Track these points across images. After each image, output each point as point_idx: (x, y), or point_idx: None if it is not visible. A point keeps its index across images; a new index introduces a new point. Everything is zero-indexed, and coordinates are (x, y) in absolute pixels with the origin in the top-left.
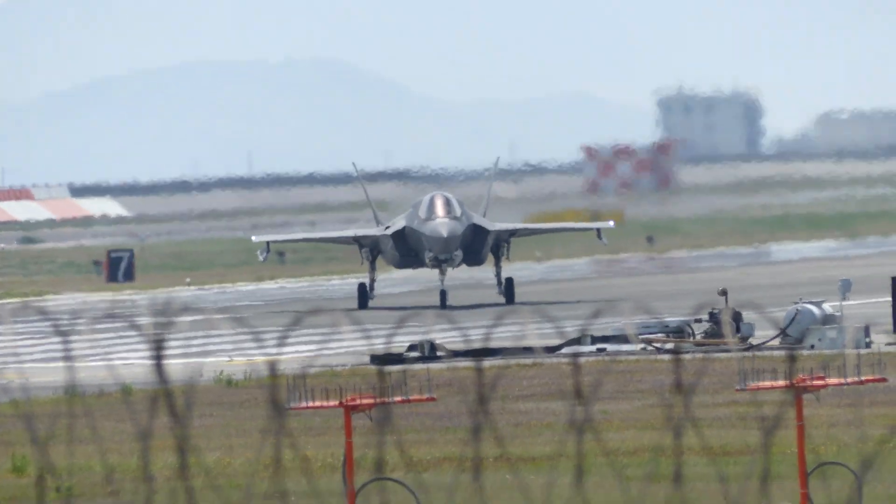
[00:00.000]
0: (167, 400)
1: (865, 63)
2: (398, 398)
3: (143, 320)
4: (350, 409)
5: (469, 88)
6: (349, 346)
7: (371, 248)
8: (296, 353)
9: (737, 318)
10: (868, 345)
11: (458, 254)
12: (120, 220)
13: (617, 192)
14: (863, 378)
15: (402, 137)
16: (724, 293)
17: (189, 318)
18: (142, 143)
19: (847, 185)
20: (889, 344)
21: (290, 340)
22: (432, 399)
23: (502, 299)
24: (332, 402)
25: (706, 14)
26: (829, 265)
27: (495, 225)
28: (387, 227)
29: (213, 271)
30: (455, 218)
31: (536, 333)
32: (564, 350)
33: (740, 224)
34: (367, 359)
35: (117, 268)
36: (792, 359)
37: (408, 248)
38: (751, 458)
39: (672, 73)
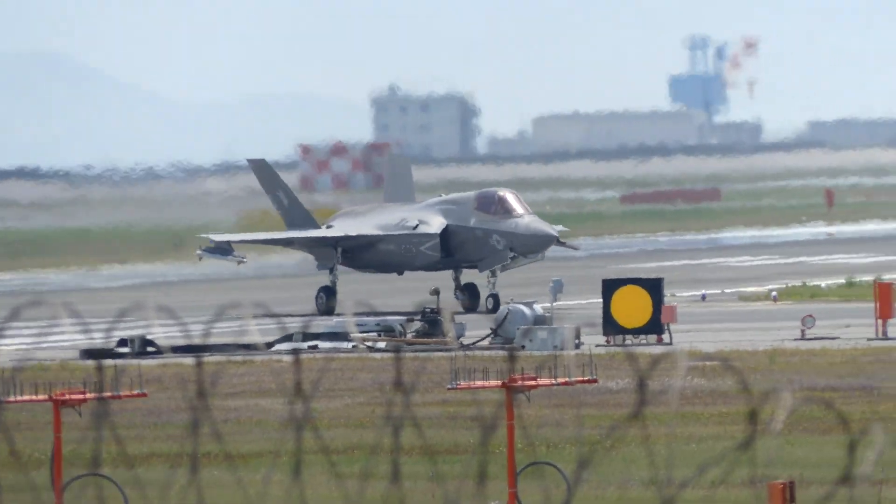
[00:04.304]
0: None
1: (580, 66)
2: (108, 394)
3: None
4: (59, 404)
5: (188, 86)
6: (66, 339)
7: (345, 250)
8: (8, 346)
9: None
10: (578, 346)
11: (542, 254)
12: None
13: (332, 190)
14: (574, 379)
15: (121, 133)
16: (436, 293)
17: None
18: None
19: (560, 186)
20: (599, 345)
21: (5, 333)
22: (144, 395)
23: (462, 307)
24: (42, 397)
25: (423, 14)
26: (540, 266)
27: None
28: (416, 227)
29: None
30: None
31: (257, 329)
32: (277, 347)
33: None
34: (77, 353)
35: None
36: (512, 358)
37: (444, 249)
38: (462, 458)
39: (388, 73)
